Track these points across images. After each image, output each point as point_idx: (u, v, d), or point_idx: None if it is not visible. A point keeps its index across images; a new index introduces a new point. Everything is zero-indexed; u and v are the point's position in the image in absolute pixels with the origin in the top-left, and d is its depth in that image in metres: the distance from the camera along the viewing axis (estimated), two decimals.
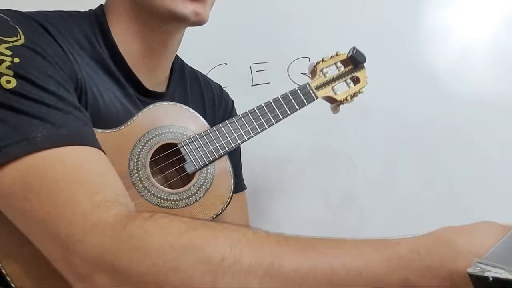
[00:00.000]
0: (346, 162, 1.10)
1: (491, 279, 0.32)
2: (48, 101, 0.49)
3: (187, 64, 0.85)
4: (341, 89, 0.86)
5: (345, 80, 0.86)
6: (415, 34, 1.12)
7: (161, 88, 0.75)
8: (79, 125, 0.51)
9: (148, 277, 0.40)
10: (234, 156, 0.83)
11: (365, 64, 0.88)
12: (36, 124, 0.47)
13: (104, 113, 0.63)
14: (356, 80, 0.88)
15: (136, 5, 0.66)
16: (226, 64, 1.04)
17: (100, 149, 0.52)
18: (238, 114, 0.72)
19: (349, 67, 0.87)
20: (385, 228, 1.04)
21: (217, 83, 0.89)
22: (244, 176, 0.90)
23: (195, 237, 0.41)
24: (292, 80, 1.10)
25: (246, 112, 0.73)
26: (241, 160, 0.88)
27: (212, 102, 0.84)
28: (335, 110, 0.87)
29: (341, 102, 0.85)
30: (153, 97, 0.71)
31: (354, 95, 0.87)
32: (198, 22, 0.65)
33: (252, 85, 1.10)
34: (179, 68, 0.81)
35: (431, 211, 1.05)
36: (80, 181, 0.46)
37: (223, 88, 0.90)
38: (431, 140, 1.10)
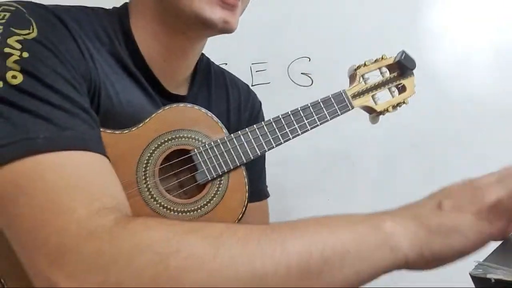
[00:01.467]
0: (346, 162, 1.11)
1: (493, 280, 0.32)
2: (54, 100, 0.47)
3: (213, 63, 0.80)
4: (383, 98, 0.77)
5: (389, 88, 0.77)
6: (415, 34, 1.13)
7: (182, 90, 0.71)
8: (84, 129, 0.48)
9: (146, 272, 0.37)
10: (259, 161, 0.77)
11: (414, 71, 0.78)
12: (40, 124, 0.45)
13: (119, 113, 0.60)
14: (402, 89, 0.78)
15: (161, 5, 0.61)
16: (226, 64, 1.02)
17: (104, 154, 0.49)
18: (261, 122, 0.66)
19: (395, 73, 0.77)
20: None
21: (245, 83, 0.84)
22: None
23: (194, 225, 0.42)
24: (292, 80, 1.11)
25: (270, 119, 0.66)
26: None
27: (238, 105, 0.79)
28: (373, 120, 0.78)
29: (381, 113, 0.76)
30: (174, 100, 0.68)
31: (398, 105, 0.77)
32: (226, 30, 0.61)
33: (252, 85, 1.08)
34: (205, 68, 0.76)
35: None
36: (79, 187, 0.43)
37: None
38: (431, 140, 1.11)
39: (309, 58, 1.11)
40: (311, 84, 1.12)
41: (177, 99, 0.68)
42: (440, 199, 0.43)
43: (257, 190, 0.80)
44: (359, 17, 1.13)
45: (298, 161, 1.11)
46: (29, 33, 0.49)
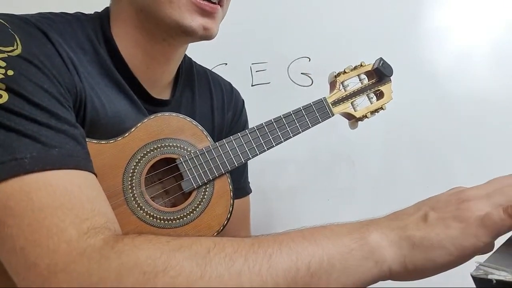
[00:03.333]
0: (346, 162, 1.10)
1: (494, 281, 0.32)
2: (40, 118, 0.47)
3: (195, 63, 0.80)
4: (362, 104, 0.79)
5: (367, 94, 0.80)
6: (415, 34, 1.12)
7: (165, 95, 0.72)
8: (71, 146, 0.48)
9: None
10: None
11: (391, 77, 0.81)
12: (26, 144, 0.45)
13: (105, 124, 0.60)
14: (379, 95, 0.81)
15: (142, 13, 0.62)
16: (226, 64, 1.03)
17: (92, 170, 0.50)
18: (244, 130, 0.67)
19: (373, 80, 0.80)
20: None
21: (227, 82, 0.85)
22: None
23: (182, 242, 0.42)
24: (292, 80, 1.10)
25: (254, 127, 0.68)
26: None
27: (221, 104, 0.80)
28: (353, 125, 0.81)
29: (360, 119, 0.79)
30: (158, 105, 0.69)
31: (376, 111, 0.80)
32: (206, 37, 0.62)
33: (252, 85, 1.09)
34: (187, 69, 0.77)
35: None
36: (68, 207, 0.43)
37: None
38: (431, 140, 1.10)
39: (309, 58, 1.11)
40: (311, 84, 1.12)
41: (161, 103, 0.69)
42: (426, 211, 0.43)
43: (240, 188, 0.83)
44: (359, 17, 1.12)
45: (298, 161, 1.11)
46: (13, 50, 0.49)
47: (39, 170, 0.44)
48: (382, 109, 0.81)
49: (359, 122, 0.80)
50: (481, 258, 0.39)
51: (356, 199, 1.10)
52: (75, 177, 0.46)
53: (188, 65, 0.77)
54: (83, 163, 0.49)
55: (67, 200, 0.44)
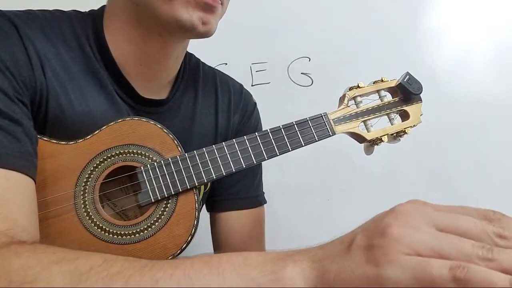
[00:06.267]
0: (346, 162, 1.10)
1: None
2: None
3: (204, 64, 0.76)
4: (378, 125, 0.66)
5: (388, 114, 0.66)
6: (415, 35, 1.13)
7: (161, 94, 0.67)
8: (4, 143, 0.46)
9: None
10: (253, 168, 0.70)
11: (421, 94, 0.67)
12: None
13: (71, 123, 0.58)
14: (404, 115, 0.67)
15: (137, 8, 0.59)
16: (226, 64, 1.05)
17: (23, 171, 0.47)
18: (220, 143, 0.59)
19: (397, 98, 0.67)
20: None
21: (238, 84, 0.79)
22: None
23: (68, 255, 0.38)
24: (292, 80, 1.10)
25: (233, 140, 0.59)
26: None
27: (227, 106, 0.75)
28: (367, 150, 0.68)
29: (374, 142, 0.65)
30: (150, 105, 0.65)
31: (398, 134, 0.66)
32: (204, 32, 0.57)
33: (252, 85, 1.09)
34: (192, 69, 0.73)
35: None
36: None
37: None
38: (431, 140, 1.10)
39: (309, 58, 1.11)
40: (311, 84, 1.12)
41: (153, 103, 0.65)
42: (355, 233, 0.35)
43: (250, 197, 0.76)
44: (359, 17, 1.13)
45: (298, 161, 1.10)
46: None
47: None
48: (406, 133, 0.66)
49: (376, 147, 0.67)
50: None
51: (356, 199, 1.10)
52: None
53: (194, 65, 0.74)
54: (11, 162, 0.46)
55: None
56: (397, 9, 1.12)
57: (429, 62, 1.11)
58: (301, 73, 1.10)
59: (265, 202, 0.79)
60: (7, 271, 0.36)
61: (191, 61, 0.73)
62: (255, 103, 0.80)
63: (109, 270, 0.36)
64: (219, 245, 0.76)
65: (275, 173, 1.01)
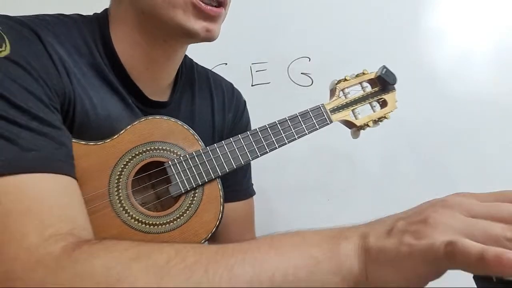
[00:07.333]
0: (346, 162, 1.10)
1: (494, 279, 0.31)
2: (20, 120, 0.46)
3: (197, 64, 0.80)
4: (364, 112, 0.76)
5: (370, 103, 0.77)
6: (415, 35, 1.12)
7: (164, 96, 0.71)
8: (50, 149, 0.48)
9: None
10: None
11: (395, 85, 0.78)
12: (3, 146, 0.44)
13: (96, 126, 0.60)
14: (383, 104, 0.78)
15: (143, 15, 0.61)
16: (226, 64, 1.05)
17: (70, 174, 0.49)
18: (237, 135, 0.66)
19: (376, 88, 0.77)
20: None
21: (229, 82, 0.84)
22: None
23: (141, 250, 0.40)
24: (292, 80, 1.10)
25: (247, 133, 0.66)
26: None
27: (222, 105, 0.79)
28: (354, 135, 0.78)
29: (361, 127, 0.76)
30: (156, 106, 0.68)
31: (379, 120, 0.77)
32: (208, 38, 0.61)
33: (252, 85, 1.10)
34: (188, 70, 0.76)
35: None
36: (33, 212, 0.43)
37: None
38: (431, 140, 1.10)
39: (309, 58, 1.11)
40: (311, 84, 1.12)
41: (158, 105, 0.68)
42: (398, 218, 0.38)
43: (242, 189, 0.82)
44: (359, 17, 1.12)
45: (298, 161, 1.10)
46: (1, 51, 0.49)
47: (10, 174, 0.43)
48: (386, 118, 0.77)
49: (362, 131, 0.77)
50: None
51: (356, 199, 1.10)
52: (47, 181, 0.46)
53: (188, 66, 0.77)
54: (61, 166, 0.48)
55: (34, 205, 0.43)
56: (397, 9, 1.12)
57: (429, 62, 1.10)
58: (301, 73, 1.10)
59: (255, 193, 0.85)
60: (90, 273, 0.38)
61: (186, 63, 0.76)
62: (245, 101, 0.85)
63: (185, 261, 0.38)
64: (215, 235, 0.81)
65: (275, 173, 1.04)
